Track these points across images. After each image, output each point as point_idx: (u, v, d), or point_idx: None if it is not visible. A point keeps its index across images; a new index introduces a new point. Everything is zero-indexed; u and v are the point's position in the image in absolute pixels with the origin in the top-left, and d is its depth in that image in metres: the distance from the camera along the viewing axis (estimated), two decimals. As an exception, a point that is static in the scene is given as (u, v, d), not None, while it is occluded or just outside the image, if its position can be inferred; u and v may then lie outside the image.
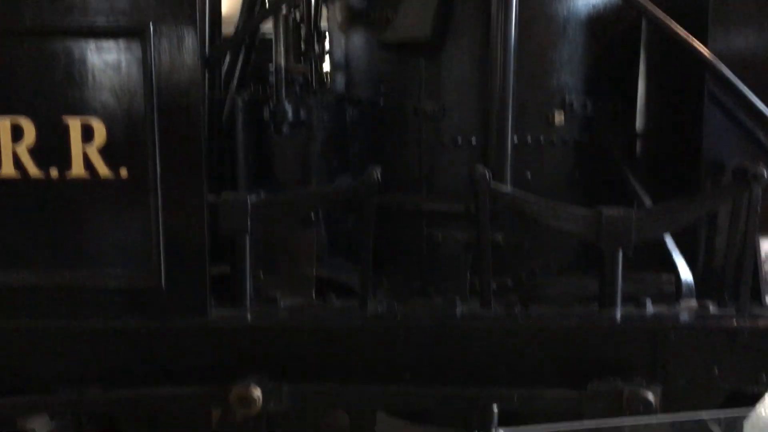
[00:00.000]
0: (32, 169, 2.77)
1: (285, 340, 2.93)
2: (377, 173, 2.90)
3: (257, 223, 2.93)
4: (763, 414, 4.37)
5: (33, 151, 2.76)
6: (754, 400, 3.11)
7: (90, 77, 2.74)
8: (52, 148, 2.76)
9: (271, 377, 2.90)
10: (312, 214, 3.21)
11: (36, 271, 2.83)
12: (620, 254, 2.94)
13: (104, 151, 2.77)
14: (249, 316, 2.95)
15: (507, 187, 3.09)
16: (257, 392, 2.85)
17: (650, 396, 2.93)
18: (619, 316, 2.94)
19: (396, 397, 3.15)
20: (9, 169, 2.76)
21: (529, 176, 3.27)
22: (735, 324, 2.89)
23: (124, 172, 2.79)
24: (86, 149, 2.76)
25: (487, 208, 2.91)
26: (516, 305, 3.07)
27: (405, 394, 3.01)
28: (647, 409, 2.97)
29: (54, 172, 2.77)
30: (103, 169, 2.78)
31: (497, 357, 2.95)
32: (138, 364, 2.89)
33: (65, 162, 2.76)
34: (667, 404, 2.93)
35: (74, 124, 2.75)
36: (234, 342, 2.91)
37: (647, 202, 3.21)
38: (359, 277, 3.01)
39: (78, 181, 2.77)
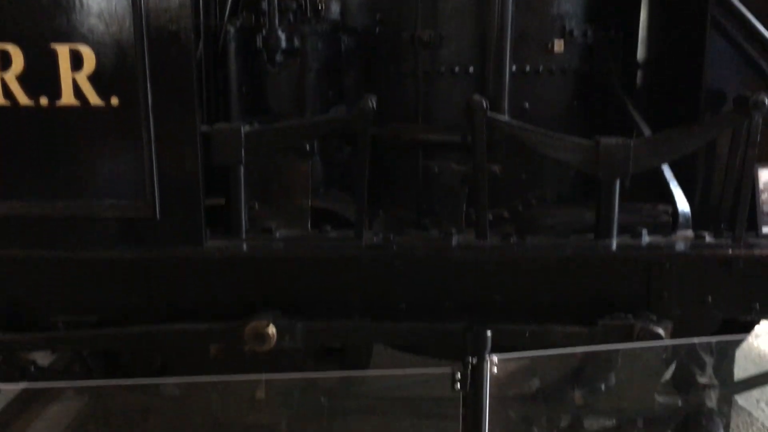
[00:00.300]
0: (22, 98, 2.73)
1: (280, 270, 2.94)
2: (373, 102, 2.85)
3: (251, 153, 2.90)
4: (755, 344, 4.45)
5: (22, 79, 2.71)
6: (746, 329, 3.16)
7: (77, 2, 2.67)
8: (41, 75, 2.70)
9: (268, 307, 2.93)
10: (307, 145, 3.17)
11: (29, 202, 2.81)
12: (617, 184, 2.92)
13: (94, 79, 2.71)
14: (244, 246, 2.95)
15: (504, 117, 3.04)
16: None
17: (661, 331, 2.96)
18: (614, 245, 2.93)
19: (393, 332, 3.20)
20: (-2, 98, 2.72)
21: (527, 106, 3.22)
22: (730, 253, 2.89)
23: (115, 100, 2.74)
24: (76, 77, 2.71)
25: (483, 138, 2.87)
26: (512, 236, 3.07)
27: (401, 330, 3.06)
28: None
29: (44, 101, 2.72)
30: (93, 98, 2.73)
31: (493, 287, 2.96)
32: (133, 294, 2.90)
33: (55, 90, 2.71)
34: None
35: (63, 51, 2.69)
36: (229, 272, 2.92)
37: (647, 132, 3.17)
38: (355, 208, 3.00)
39: (68, 110, 2.72)
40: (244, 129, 2.88)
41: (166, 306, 2.93)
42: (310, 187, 3.15)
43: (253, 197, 3.10)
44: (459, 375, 2.50)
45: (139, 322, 2.96)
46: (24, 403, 4.00)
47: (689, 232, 3.06)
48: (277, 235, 3.03)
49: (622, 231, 3.00)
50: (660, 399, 3.14)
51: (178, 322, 2.95)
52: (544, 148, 2.93)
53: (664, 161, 3.00)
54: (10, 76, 2.70)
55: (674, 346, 3.03)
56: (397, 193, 3.44)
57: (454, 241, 2.99)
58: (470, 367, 2.49)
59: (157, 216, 2.82)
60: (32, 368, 3.26)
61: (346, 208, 3.22)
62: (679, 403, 3.15)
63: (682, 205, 3.11)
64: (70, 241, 2.85)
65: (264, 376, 2.98)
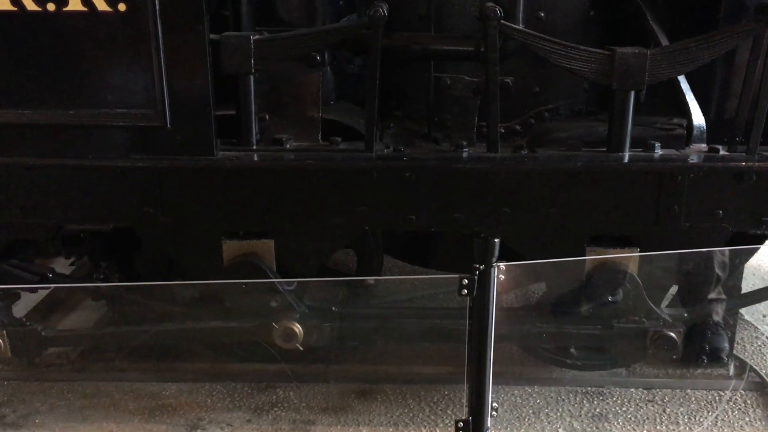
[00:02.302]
0: (29, 3, 2.69)
1: (291, 180, 2.94)
2: (384, 9, 2.79)
3: (261, 62, 2.86)
4: (765, 261, 4.45)
5: (28, -17, 2.68)
6: (756, 243, 3.16)
7: None
8: (47, -21, 2.67)
9: (275, 217, 2.96)
10: (317, 56, 3.12)
11: (40, 110, 2.82)
12: (632, 96, 2.87)
13: (101, -17, 2.68)
14: (255, 156, 2.95)
15: (518, 26, 2.97)
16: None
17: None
18: (626, 158, 2.91)
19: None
20: (5, 3, 2.69)
21: (542, 15, 3.14)
22: (743, 165, 2.86)
23: (122, 6, 2.70)
24: (82, -19, 2.67)
25: (496, 48, 2.82)
26: (523, 148, 3.06)
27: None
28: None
29: (51, 6, 2.69)
30: (100, 3, 2.69)
31: (503, 200, 2.96)
32: (145, 203, 2.93)
33: (62, -6, 2.68)
34: (671, 246, 2.98)
35: (69, -46, 2.65)
36: (240, 182, 2.93)
37: (665, 43, 3.09)
38: (365, 120, 2.98)
39: (76, 15, 2.69)
40: (254, 37, 2.84)
41: (177, 215, 2.96)
42: (320, 98, 3.12)
43: (263, 108, 3.08)
44: (466, 281, 2.54)
45: (150, 230, 3.01)
46: (44, 312, 4.13)
47: (703, 146, 3.04)
48: (288, 146, 3.04)
49: (635, 145, 2.97)
50: (666, 311, 3.17)
51: (187, 231, 3.00)
52: (559, 59, 2.87)
53: (680, 72, 2.93)
54: (17, -20, 2.66)
55: (682, 258, 3.04)
56: (408, 105, 3.41)
57: (465, 152, 2.98)
58: (477, 273, 2.52)
59: (168, 125, 2.82)
60: (50, 275, 3.34)
61: (357, 120, 3.21)
62: (685, 315, 3.18)
63: (697, 118, 3.07)
64: (82, 150, 2.87)
65: (276, 281, 3.04)
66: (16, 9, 2.69)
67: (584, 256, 3.02)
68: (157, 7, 2.69)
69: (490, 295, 2.53)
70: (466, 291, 2.55)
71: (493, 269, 2.51)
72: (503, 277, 2.53)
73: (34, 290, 3.73)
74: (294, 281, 3.14)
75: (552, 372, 3.46)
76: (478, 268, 2.53)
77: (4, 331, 3.07)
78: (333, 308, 3.27)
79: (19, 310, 3.60)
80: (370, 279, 3.56)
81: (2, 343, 3.04)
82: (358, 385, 3.51)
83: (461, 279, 2.54)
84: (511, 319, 3.13)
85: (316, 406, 3.38)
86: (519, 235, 2.99)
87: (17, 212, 2.95)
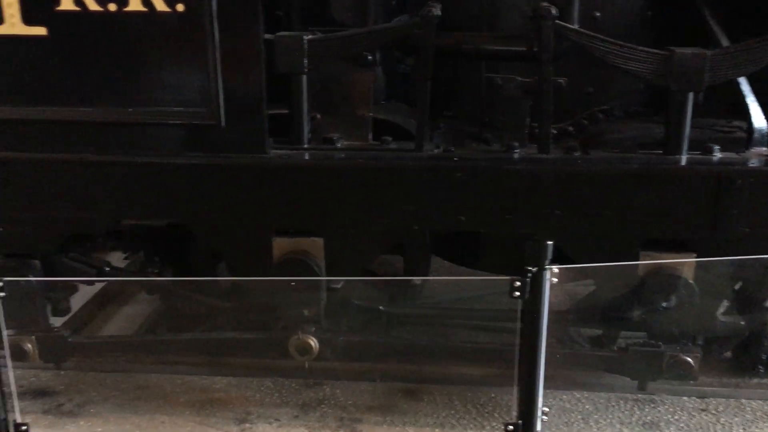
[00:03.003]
0: (91, 4, 2.77)
1: (341, 179, 2.96)
2: (437, 9, 2.79)
3: (313, 61, 2.89)
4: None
5: (91, -15, 2.76)
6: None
7: None
8: (109, -19, 2.74)
9: (325, 215, 2.98)
10: (368, 56, 3.14)
11: (98, 107, 2.89)
12: (690, 98, 2.80)
13: (160, -16, 2.74)
14: (306, 155, 2.98)
15: (573, 26, 2.93)
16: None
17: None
18: (684, 161, 2.85)
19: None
20: (68, 3, 2.77)
21: (598, 15, 3.09)
22: (806, 170, 2.77)
23: (180, 6, 2.76)
24: (143, -18, 2.74)
25: (550, 48, 2.78)
26: (576, 150, 3.02)
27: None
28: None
29: (112, 6, 2.76)
30: (159, 4, 2.76)
31: (554, 203, 2.92)
32: (198, 200, 2.98)
33: (123, -6, 2.76)
34: (728, 252, 2.90)
35: (131, -43, 2.72)
36: (291, 180, 2.96)
37: (725, 44, 3.01)
38: (416, 119, 2.98)
39: (136, 15, 2.76)
40: (307, 37, 2.87)
41: (228, 212, 3.01)
42: (371, 98, 3.13)
43: (315, 108, 3.11)
44: (518, 284, 2.51)
45: (202, 226, 3.06)
46: (100, 304, 4.25)
47: (764, 149, 2.94)
48: (339, 145, 3.06)
49: (693, 147, 2.90)
50: (722, 319, 3.09)
51: (238, 227, 3.04)
52: (615, 59, 2.82)
53: (742, 74, 2.86)
54: (81, -18, 2.74)
55: (740, 265, 2.95)
56: (459, 105, 3.40)
57: (516, 153, 2.96)
58: (530, 276, 2.50)
59: (222, 123, 2.87)
60: (107, 269, 3.43)
61: (407, 120, 3.21)
62: (741, 323, 3.09)
63: (758, 120, 2.98)
64: (138, 147, 2.94)
65: (324, 279, 3.06)
66: (79, 9, 2.78)
67: (637, 260, 2.96)
68: (215, 8, 2.74)
69: (543, 298, 2.50)
70: (518, 293, 2.52)
71: (545, 272, 2.48)
72: (555, 280, 2.50)
73: (90, 283, 3.84)
74: (341, 279, 3.16)
75: (602, 377, 3.41)
76: (531, 271, 2.50)
77: (33, 337, 3.17)
78: (381, 307, 3.28)
79: (78, 301, 3.71)
80: (418, 279, 3.56)
81: (31, 348, 3.14)
82: (404, 385, 3.52)
83: (513, 281, 2.52)
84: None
85: (363, 405, 3.40)
86: (570, 238, 2.95)
87: (76, 207, 3.04)
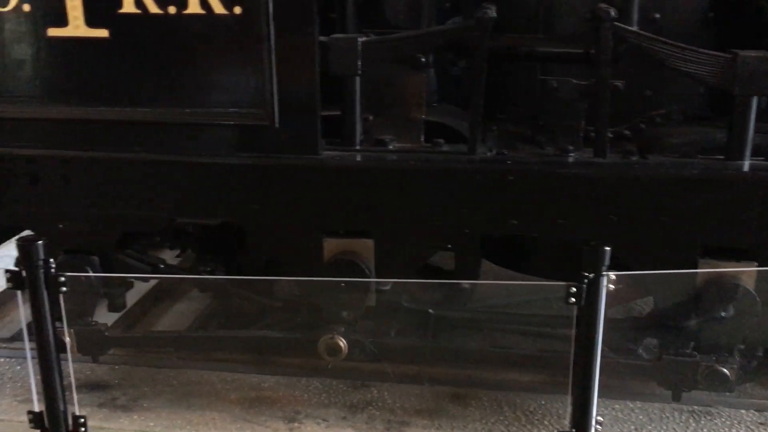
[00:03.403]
0: (152, 7, 2.84)
1: (392, 181, 2.96)
2: (492, 12, 2.76)
3: (367, 63, 2.90)
4: None
5: (152, -12, 2.82)
6: None
7: None
8: (170, -16, 2.80)
9: (376, 216, 2.97)
10: (422, 58, 3.12)
11: (155, 108, 2.95)
12: (754, 102, 2.72)
13: (219, -12, 2.78)
14: (358, 156, 2.99)
15: (633, 28, 2.87)
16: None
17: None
18: (747, 166, 2.76)
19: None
20: (130, 6, 2.84)
21: (658, 17, 3.02)
22: None
23: (237, 9, 2.80)
24: (202, -15, 2.79)
25: (609, 50, 2.73)
26: (633, 154, 2.95)
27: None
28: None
29: (172, 9, 2.82)
30: (218, 6, 2.80)
31: (609, 208, 2.86)
32: (251, 199, 3.01)
33: (183, -1, 2.81)
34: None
35: (191, -38, 2.77)
36: (342, 181, 2.97)
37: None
38: (469, 122, 2.95)
39: (194, 18, 2.81)
40: (361, 39, 2.88)
41: (280, 212, 3.03)
42: (424, 100, 3.12)
43: (367, 109, 3.11)
44: (574, 290, 2.46)
45: (254, 226, 3.09)
46: (154, 300, 4.34)
47: (833, 156, 2.83)
48: (391, 147, 3.06)
49: (756, 153, 2.81)
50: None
51: (289, 227, 3.07)
52: (676, 62, 2.75)
53: (810, 78, 2.75)
54: (142, -14, 2.81)
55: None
56: (513, 108, 3.36)
57: (571, 157, 2.91)
58: (586, 282, 2.45)
59: (276, 124, 2.90)
60: (161, 266, 3.49)
61: (460, 122, 3.18)
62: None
63: (827, 126, 2.87)
64: (195, 147, 2.99)
65: (373, 281, 3.05)
66: (140, 12, 2.84)
67: (696, 268, 2.88)
68: (271, 10, 2.77)
69: (599, 305, 2.45)
70: (573, 299, 2.48)
71: (602, 278, 2.43)
72: (612, 287, 2.44)
73: (146, 279, 3.92)
74: (390, 281, 3.15)
75: (656, 388, 3.32)
76: (587, 277, 2.45)
77: (72, 330, 3.24)
78: (429, 310, 3.26)
79: (132, 296, 3.79)
80: (467, 283, 3.52)
81: (70, 341, 3.22)
82: (452, 389, 3.49)
83: (569, 287, 2.47)
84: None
85: (411, 408, 3.39)
86: (626, 245, 2.88)
87: (134, 205, 3.11)
